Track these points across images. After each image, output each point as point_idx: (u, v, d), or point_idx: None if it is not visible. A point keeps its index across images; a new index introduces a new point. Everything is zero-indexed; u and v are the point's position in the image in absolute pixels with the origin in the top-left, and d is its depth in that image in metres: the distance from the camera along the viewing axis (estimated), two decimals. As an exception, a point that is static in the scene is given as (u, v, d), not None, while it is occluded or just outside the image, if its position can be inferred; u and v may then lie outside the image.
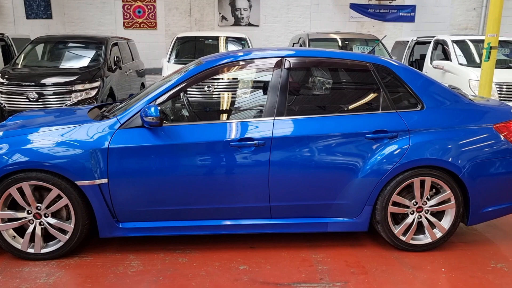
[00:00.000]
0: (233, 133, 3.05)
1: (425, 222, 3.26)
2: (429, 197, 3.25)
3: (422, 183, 3.18)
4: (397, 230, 3.24)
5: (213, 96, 3.72)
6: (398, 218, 3.29)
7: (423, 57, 9.83)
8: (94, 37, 8.53)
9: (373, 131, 3.11)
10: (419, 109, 3.22)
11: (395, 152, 3.10)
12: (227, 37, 8.69)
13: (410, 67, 3.38)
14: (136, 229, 3.11)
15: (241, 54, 3.33)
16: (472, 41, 8.52)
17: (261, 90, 3.28)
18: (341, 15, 12.66)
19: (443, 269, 3.05)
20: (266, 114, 3.13)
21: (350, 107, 3.28)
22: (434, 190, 3.27)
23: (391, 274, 2.99)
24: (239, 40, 8.65)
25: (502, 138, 3.24)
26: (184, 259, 3.15)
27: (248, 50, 3.39)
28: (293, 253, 3.25)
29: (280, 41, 12.52)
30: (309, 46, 8.59)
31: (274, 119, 3.10)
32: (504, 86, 7.42)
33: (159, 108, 2.92)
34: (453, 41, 8.56)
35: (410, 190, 3.22)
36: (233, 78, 3.33)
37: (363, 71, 3.30)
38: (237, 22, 12.47)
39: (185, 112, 3.52)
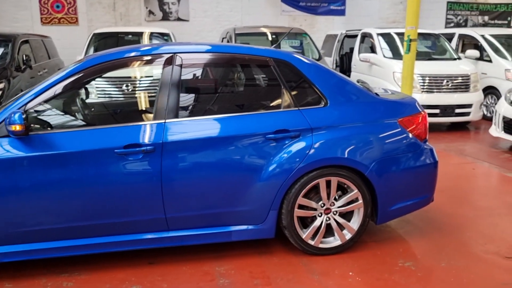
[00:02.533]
0: (117, 139, 2.72)
1: (333, 224, 3.11)
2: (337, 197, 3.10)
3: (329, 184, 3.02)
4: (305, 234, 3.06)
5: (100, 98, 3.36)
6: (308, 222, 3.12)
7: (352, 50, 9.90)
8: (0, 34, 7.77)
9: (274, 131, 2.90)
10: (322, 106, 3.05)
11: (298, 153, 2.91)
12: (149, 33, 8.25)
13: (314, 61, 3.21)
14: (8, 254, 2.71)
15: (128, 50, 2.99)
16: (397, 33, 8.64)
17: (151, 90, 2.97)
18: (272, 9, 12.55)
19: (350, 273, 2.91)
20: (156, 117, 2.82)
21: (250, 106, 3.05)
22: (341, 191, 3.12)
23: (296, 283, 2.81)
24: (162, 36, 8.24)
25: (407, 132, 3.14)
26: (70, 284, 2.79)
27: (137, 46, 3.07)
28: (195, 267, 2.98)
29: (212, 36, 12.19)
30: (235, 41, 8.35)
31: (165, 122, 2.81)
32: (427, 78, 7.56)
33: (23, 115, 2.52)
34: (378, 34, 8.65)
35: (317, 192, 3.05)
36: (120, 78, 2.98)
37: (263, 66, 3.08)
38: (166, 17, 11.99)
39: (70, 118, 3.12)
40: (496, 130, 6.37)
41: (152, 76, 2.97)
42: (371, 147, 3.04)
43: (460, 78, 7.61)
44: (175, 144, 2.77)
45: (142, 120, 2.84)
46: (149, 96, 2.92)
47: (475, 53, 8.98)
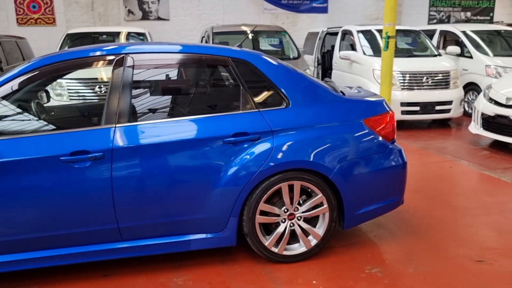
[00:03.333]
0: (64, 146, 2.56)
1: (298, 230, 2.98)
2: (301, 202, 2.98)
3: (292, 188, 2.89)
4: (268, 241, 2.93)
5: (47, 102, 3.18)
6: (272, 228, 2.98)
7: (334, 48, 9.79)
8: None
9: (232, 134, 2.76)
10: (284, 107, 2.91)
11: (258, 157, 2.78)
12: (124, 33, 8.05)
13: (276, 60, 3.07)
14: None
15: (77, 51, 2.83)
16: (378, 30, 8.53)
17: (101, 93, 2.81)
18: (254, 7, 12.41)
19: (314, 282, 2.78)
20: (106, 121, 2.66)
21: (207, 108, 2.91)
22: (307, 195, 2.99)
23: (257, 293, 2.68)
24: (138, 35, 8.05)
25: (374, 133, 3.02)
26: (16, 300, 2.63)
27: (87, 47, 2.90)
28: (151, 278, 2.84)
29: (193, 35, 12.02)
30: (213, 40, 8.19)
31: (115, 127, 2.65)
32: (407, 75, 7.47)
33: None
34: (358, 31, 8.54)
35: (281, 197, 2.92)
36: (68, 80, 2.82)
37: (221, 66, 2.94)
38: (146, 16, 11.80)
39: (14, 123, 2.94)
40: (475, 127, 6.30)
41: (102, 79, 2.80)
42: (335, 149, 2.91)
43: (440, 74, 7.54)
44: (126, 150, 2.62)
45: (91, 125, 2.68)
46: (98, 100, 2.76)
47: (456, 49, 8.92)
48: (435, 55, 8.21)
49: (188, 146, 2.71)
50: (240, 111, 2.85)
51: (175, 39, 11.95)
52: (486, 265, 2.97)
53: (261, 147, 2.79)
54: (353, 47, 8.50)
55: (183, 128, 2.73)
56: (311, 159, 2.85)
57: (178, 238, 2.83)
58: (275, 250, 2.96)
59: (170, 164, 2.69)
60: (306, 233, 3.01)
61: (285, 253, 2.98)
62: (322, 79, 10.39)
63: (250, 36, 8.49)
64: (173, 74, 2.95)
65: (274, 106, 2.91)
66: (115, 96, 2.69)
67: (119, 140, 2.62)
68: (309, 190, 2.94)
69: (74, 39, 7.77)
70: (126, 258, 2.90)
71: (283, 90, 2.93)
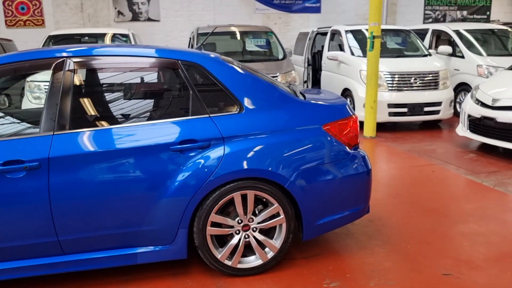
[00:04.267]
0: (-4, 155, 2.42)
1: (253, 242, 2.82)
2: (257, 212, 2.82)
3: (246, 198, 2.74)
4: (221, 254, 2.78)
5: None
6: (227, 240, 2.83)
7: (324, 48, 9.63)
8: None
9: (179, 141, 2.61)
10: (236, 112, 2.76)
11: (207, 165, 2.62)
12: (109, 34, 7.93)
13: (229, 63, 2.91)
14: None
15: (17, 54, 2.68)
16: (367, 30, 8.35)
17: (39, 99, 2.67)
18: (246, 8, 12.25)
19: (266, 298, 2.63)
20: (43, 129, 2.52)
21: (153, 114, 2.76)
22: (264, 205, 2.84)
23: (204, 310, 2.52)
24: (122, 37, 7.92)
25: (334, 139, 2.86)
26: (-51, 318, 2.49)
27: (28, 50, 2.75)
28: (96, 294, 2.69)
29: (184, 36, 11.87)
30: (198, 41, 8.04)
31: (53, 134, 2.51)
32: (396, 75, 7.29)
33: None
34: (347, 31, 8.37)
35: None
36: (5, 86, 2.68)
37: (170, 69, 2.79)
38: (136, 17, 11.67)
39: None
40: (462, 129, 6.12)
41: (40, 84, 2.66)
42: (291, 156, 2.75)
43: (429, 75, 7.35)
44: (65, 159, 2.48)
45: (28, 133, 2.54)
46: (36, 106, 2.62)
47: (448, 49, 8.73)
48: (425, 55, 8.02)
49: (132, 154, 2.56)
50: (189, 117, 2.70)
51: (166, 40, 11.82)
52: (453, 278, 2.81)
53: (210, 155, 2.64)
54: (341, 48, 8.33)
55: (127, 135, 2.58)
56: (265, 168, 2.69)
57: (124, 252, 2.68)
58: (229, 263, 2.80)
59: (113, 174, 2.54)
60: (262, 245, 2.85)
61: (239, 266, 2.83)
62: (313, 80, 10.24)
63: (207, 37, 8.33)
64: (118, 78, 2.79)
65: (227, 111, 2.76)
66: (54, 102, 2.55)
67: (57, 149, 2.48)
68: (264, 200, 2.79)
69: (56, 40, 7.65)
70: (81, 271, 2.76)
71: (236, 95, 2.77)
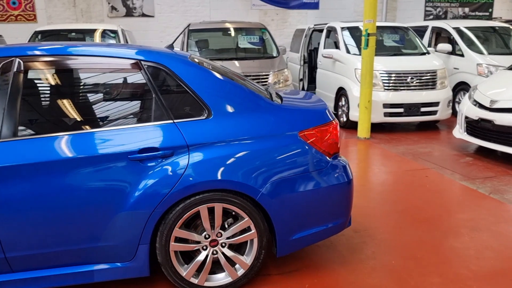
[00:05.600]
0: None
1: (221, 259, 2.60)
2: (226, 226, 2.60)
3: (213, 211, 2.52)
4: (186, 272, 2.56)
5: None
6: (194, 255, 2.61)
7: (321, 45, 9.37)
8: None
9: (138, 150, 2.38)
10: (204, 117, 2.52)
11: (169, 176, 2.40)
12: (99, 30, 7.70)
13: (198, 63, 2.68)
14: None
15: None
16: (364, 27, 8.09)
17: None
18: (242, 3, 11.97)
19: (233, 321, 2.41)
20: (-14, 136, 2.30)
21: (110, 120, 2.52)
22: (234, 218, 2.62)
23: (163, 336, 2.31)
24: (111, 33, 7.69)
25: (310, 147, 2.63)
26: None
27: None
28: (50, 314, 2.47)
29: (179, 32, 11.60)
30: (188, 38, 7.80)
31: (-2, 142, 2.29)
32: (393, 74, 7.04)
33: None
34: (343, 28, 8.11)
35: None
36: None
37: (131, 70, 2.56)
38: (129, 13, 11.42)
39: None
40: (459, 131, 5.88)
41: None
42: (263, 166, 2.52)
43: (426, 74, 7.10)
44: (8, 169, 2.25)
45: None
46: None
47: (447, 47, 8.46)
48: (423, 53, 7.76)
49: (86, 164, 2.33)
50: (151, 123, 2.47)
51: (160, 36, 11.58)
52: (439, 299, 2.58)
53: (173, 165, 2.41)
54: (337, 45, 8.08)
55: (79, 143, 2.35)
56: (234, 179, 2.46)
57: (79, 269, 2.46)
58: (195, 281, 2.59)
59: (62, 185, 2.31)
60: (232, 261, 2.63)
61: (207, 284, 2.61)
62: (309, 78, 9.99)
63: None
64: (72, 80, 2.56)
65: (193, 116, 2.52)
66: (0, 106, 2.33)
67: (2, 158, 2.25)
68: (234, 213, 2.57)
69: (43, 36, 7.43)
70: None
71: (203, 99, 2.54)
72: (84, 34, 7.58)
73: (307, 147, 2.62)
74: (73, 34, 7.49)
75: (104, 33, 7.77)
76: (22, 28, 11.06)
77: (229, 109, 2.57)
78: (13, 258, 2.35)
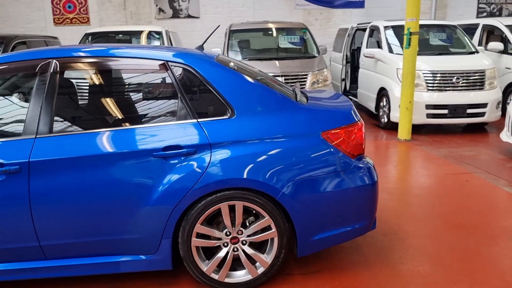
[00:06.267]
0: (-23, 158, 2.41)
1: (242, 256, 2.65)
2: (248, 224, 2.64)
3: (234, 209, 2.57)
4: (207, 267, 2.63)
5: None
6: (216, 252, 2.67)
7: (365, 45, 9.19)
8: (-7, 35, 7.78)
9: (163, 147, 2.47)
10: (227, 117, 2.58)
11: (192, 173, 2.47)
12: (145, 32, 8.00)
13: (223, 64, 2.73)
14: None
15: (3, 57, 2.65)
16: (409, 26, 7.85)
17: (23, 102, 2.62)
18: (286, 3, 11.97)
19: (250, 318, 2.44)
20: (26, 132, 2.48)
21: (137, 119, 2.63)
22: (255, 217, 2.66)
23: (181, 328, 2.38)
24: (156, 34, 7.96)
25: (334, 148, 2.61)
26: None
27: (15, 52, 2.71)
28: (79, 301, 2.63)
29: (223, 33, 11.80)
30: (230, 38, 7.92)
31: (35, 138, 2.46)
32: (438, 74, 6.79)
33: None
34: (386, 27, 7.92)
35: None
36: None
37: (158, 71, 2.66)
38: (176, 14, 11.75)
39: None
40: (506, 135, 5.57)
41: (25, 86, 2.62)
42: (285, 166, 2.54)
43: (474, 74, 6.78)
44: (45, 163, 2.42)
45: (11, 135, 2.50)
46: (20, 108, 2.58)
47: (499, 45, 8.04)
48: (472, 53, 7.42)
49: (113, 160, 2.45)
50: (176, 122, 2.56)
51: (205, 36, 11.81)
52: (465, 309, 2.48)
53: (196, 163, 2.48)
54: (379, 45, 7.90)
55: (109, 140, 2.48)
56: (255, 178, 2.50)
57: (107, 259, 2.59)
58: (215, 276, 2.65)
59: (93, 179, 2.45)
60: (253, 259, 2.67)
61: (227, 280, 2.66)
62: (351, 78, 9.82)
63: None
64: (103, 80, 2.69)
65: (216, 116, 2.58)
66: (37, 104, 2.50)
67: (38, 153, 2.42)
68: (255, 212, 2.60)
69: (93, 38, 7.82)
70: (70, 277, 2.71)
71: (227, 98, 2.60)
72: (131, 36, 7.89)
73: (329, 148, 2.60)
74: (120, 36, 7.83)
75: (150, 35, 8.05)
76: (76, 30, 11.66)
77: (252, 109, 2.60)
78: (47, 246, 2.52)
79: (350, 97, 8.99)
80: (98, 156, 2.45)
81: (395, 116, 6.87)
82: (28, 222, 2.45)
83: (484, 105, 6.74)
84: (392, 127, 7.01)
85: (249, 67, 3.06)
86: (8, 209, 2.42)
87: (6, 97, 2.63)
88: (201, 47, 3.21)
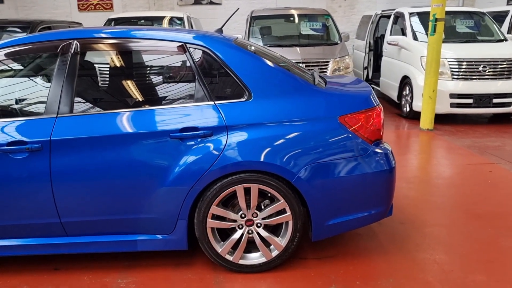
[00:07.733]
0: (0, 136, 2.48)
1: (256, 239, 2.67)
2: (263, 207, 2.66)
3: (249, 191, 2.58)
4: (222, 248, 2.66)
5: None
6: (230, 233, 2.70)
7: (389, 32, 9.01)
8: (20, 21, 7.95)
9: (180, 129, 2.50)
10: (244, 99, 2.58)
11: (208, 155, 2.49)
12: (167, 17, 8.03)
13: (241, 47, 2.72)
14: None
15: (22, 38, 2.69)
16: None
17: (45, 82, 2.67)
18: (309, -11, 11.81)
19: (263, 299, 2.47)
20: (47, 111, 2.54)
21: (155, 100, 2.65)
22: (270, 200, 2.67)
23: (195, 306, 2.43)
24: (177, 20, 7.98)
25: (351, 132, 2.59)
26: (-38, 287, 2.63)
27: (35, 34, 2.75)
28: (97, 277, 2.70)
29: (245, 19, 11.74)
30: (251, 25, 7.88)
31: (56, 117, 2.52)
32: (464, 62, 6.61)
33: None
34: (411, 14, 7.74)
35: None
36: (12, 68, 2.71)
37: (175, 53, 2.67)
38: (198, 1, 11.75)
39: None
40: (533, 125, 5.41)
41: (46, 66, 2.67)
42: (301, 150, 2.53)
43: (501, 63, 6.58)
44: (66, 142, 2.47)
45: (33, 114, 2.56)
46: (42, 88, 2.63)
47: (529, 33, 7.76)
48: (500, 40, 7.19)
49: (131, 140, 2.49)
50: (193, 104, 2.57)
51: (227, 23, 11.78)
52: (482, 298, 2.45)
53: (212, 145, 2.50)
54: (404, 32, 7.73)
55: (126, 121, 2.52)
56: (270, 161, 2.50)
57: (124, 238, 2.65)
58: (230, 258, 2.68)
59: (111, 158, 2.50)
60: (267, 242, 2.69)
61: (241, 262, 2.69)
62: (374, 66, 9.66)
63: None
64: (121, 61, 2.72)
65: (233, 98, 2.59)
66: (58, 84, 2.55)
67: (59, 132, 2.48)
68: (270, 195, 2.61)
69: (115, 23, 7.90)
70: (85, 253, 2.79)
71: (244, 81, 2.59)
72: (153, 22, 7.94)
73: (346, 132, 2.58)
74: (142, 21, 7.88)
75: (172, 20, 8.08)
76: (100, 16, 11.82)
77: (269, 91, 2.60)
78: (67, 223, 2.59)
79: (372, 85, 8.86)
80: (116, 136, 2.49)
81: (417, 105, 6.74)
82: (49, 199, 2.52)
83: (511, 95, 6.54)
84: (415, 116, 6.89)
85: (267, 50, 3.04)
86: (30, 185, 2.50)
87: (29, 77, 2.69)
88: (220, 30, 3.21)
